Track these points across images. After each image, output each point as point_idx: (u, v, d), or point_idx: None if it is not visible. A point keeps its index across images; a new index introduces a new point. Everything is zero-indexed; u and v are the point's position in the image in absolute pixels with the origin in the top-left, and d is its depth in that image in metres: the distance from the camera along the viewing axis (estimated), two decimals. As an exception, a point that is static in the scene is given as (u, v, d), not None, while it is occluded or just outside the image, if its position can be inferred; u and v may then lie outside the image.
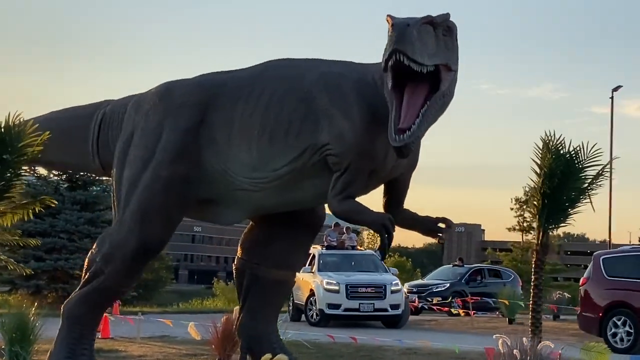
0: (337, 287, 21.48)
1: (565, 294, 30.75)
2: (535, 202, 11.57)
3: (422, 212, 8.96)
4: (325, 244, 24.32)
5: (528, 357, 8.52)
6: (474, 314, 26.00)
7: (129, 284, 9.62)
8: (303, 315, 22.53)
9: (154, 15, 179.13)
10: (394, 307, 21.71)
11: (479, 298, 26.89)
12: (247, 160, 8.72)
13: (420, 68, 7.55)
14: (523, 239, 59.27)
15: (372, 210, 8.48)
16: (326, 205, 9.53)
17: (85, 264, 9.43)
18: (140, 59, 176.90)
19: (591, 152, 11.43)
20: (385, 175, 8.62)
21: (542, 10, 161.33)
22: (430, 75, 7.70)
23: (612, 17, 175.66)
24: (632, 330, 17.11)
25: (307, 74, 8.68)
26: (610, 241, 43.85)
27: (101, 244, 9.28)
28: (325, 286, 21.54)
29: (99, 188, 31.65)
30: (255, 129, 8.64)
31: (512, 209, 58.34)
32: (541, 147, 11.47)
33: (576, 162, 11.31)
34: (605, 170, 11.43)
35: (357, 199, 8.44)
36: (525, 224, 58.49)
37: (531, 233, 57.99)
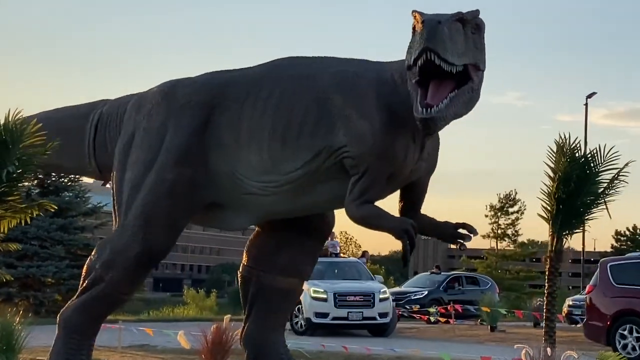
0: (324, 296, 21.06)
1: (545, 301, 30.62)
2: (548, 208, 11.22)
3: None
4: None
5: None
6: (453, 321, 25.84)
7: (131, 292, 9.18)
8: (287, 324, 22.11)
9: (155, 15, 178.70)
10: (383, 315, 21.37)
11: (462, 306, 26.71)
12: (257, 162, 8.33)
13: (450, 68, 7.24)
14: (497, 246, 59.45)
15: (392, 215, 8.14)
16: (334, 211, 9.32)
17: (84, 270, 8.99)
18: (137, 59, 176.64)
19: (607, 155, 11.12)
20: (403, 179, 8.25)
21: (507, 19, 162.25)
22: (457, 74, 7.38)
23: (577, 27, 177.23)
24: (642, 339, 16.76)
25: (320, 73, 8.30)
26: (583, 248, 43.95)
27: (101, 250, 8.84)
28: (313, 294, 21.10)
29: (71, 194, 31.04)
30: (266, 130, 8.25)
31: (486, 215, 58.42)
32: (555, 150, 11.16)
33: (592, 165, 11.00)
34: (621, 174, 11.09)
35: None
36: (499, 231, 58.51)
37: (505, 240, 58.26)
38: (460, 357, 13.86)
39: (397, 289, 34.01)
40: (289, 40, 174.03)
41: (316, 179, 8.21)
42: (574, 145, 11.11)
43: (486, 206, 58.93)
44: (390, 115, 7.91)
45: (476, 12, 7.52)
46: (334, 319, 21.09)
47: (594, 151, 11.04)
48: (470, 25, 7.43)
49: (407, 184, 8.42)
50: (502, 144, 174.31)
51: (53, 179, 30.34)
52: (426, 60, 7.16)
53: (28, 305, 27.85)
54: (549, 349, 8.09)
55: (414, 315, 28.22)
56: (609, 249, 62.16)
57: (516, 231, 60.05)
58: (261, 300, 9.28)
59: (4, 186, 8.40)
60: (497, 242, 58.75)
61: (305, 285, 21.53)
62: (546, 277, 11.85)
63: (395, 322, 22.53)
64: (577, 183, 10.94)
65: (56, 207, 10.42)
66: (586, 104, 44.68)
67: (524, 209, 57.58)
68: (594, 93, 44.92)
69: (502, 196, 58.55)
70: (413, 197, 8.59)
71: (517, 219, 56.94)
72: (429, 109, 7.31)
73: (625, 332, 17.07)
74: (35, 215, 9.41)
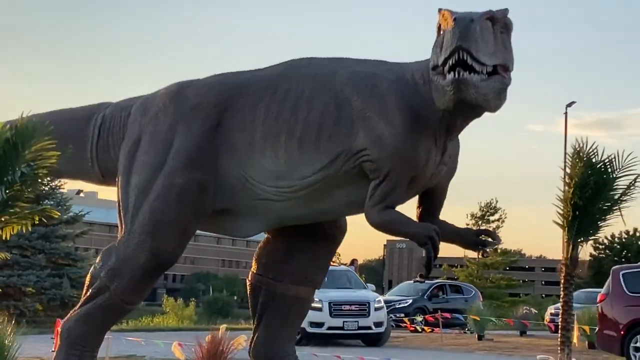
0: (319, 305, 20.66)
1: (532, 309, 30.72)
2: (563, 214, 10.97)
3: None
4: None
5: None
6: (439, 330, 25.72)
7: (137, 301, 8.83)
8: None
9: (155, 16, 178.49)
10: (378, 324, 21.09)
11: (450, 315, 26.55)
12: (272, 167, 8.02)
13: (482, 68, 6.98)
14: (478, 254, 58.97)
15: (415, 221, 7.88)
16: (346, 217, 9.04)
17: (87, 279, 8.65)
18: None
19: (626, 161, 10.88)
20: (424, 183, 7.97)
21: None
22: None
23: (547, 39, 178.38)
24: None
25: (337, 73, 8.01)
26: (564, 257, 43.83)
27: (106, 258, 8.51)
28: None
29: (52, 202, 30.60)
30: (282, 134, 7.94)
31: (467, 224, 58.21)
32: (572, 155, 10.91)
33: (610, 171, 10.76)
34: (638, 180, 10.85)
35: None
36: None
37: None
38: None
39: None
40: (288, 42, 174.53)
41: (333, 184, 7.92)
42: (590, 150, 10.88)
43: (467, 215, 58.88)
44: (411, 117, 7.64)
45: (505, 11, 7.29)
46: (329, 328, 20.78)
47: (612, 157, 10.80)
48: (499, 24, 7.19)
49: (427, 189, 8.14)
50: (480, 153, 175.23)
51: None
52: (458, 60, 6.92)
53: (8, 316, 27.39)
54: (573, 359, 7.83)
55: (400, 324, 28.07)
56: (587, 258, 62.24)
57: (497, 239, 59.54)
58: (271, 309, 8.96)
59: (15, 189, 8.11)
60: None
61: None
62: (561, 286, 11.60)
63: (389, 332, 22.28)
64: (594, 189, 10.71)
65: (59, 214, 10.08)
66: (566, 113, 44.86)
67: (505, 218, 57.64)
68: (573, 102, 45.14)
69: (482, 204, 58.56)
70: (433, 202, 8.31)
71: (497, 227, 56.83)
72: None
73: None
74: (36, 221, 9.11)
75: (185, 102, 8.43)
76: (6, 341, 10.90)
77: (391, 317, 29.04)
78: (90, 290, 8.47)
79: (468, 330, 27.89)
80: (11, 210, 8.29)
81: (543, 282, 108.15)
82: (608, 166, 10.78)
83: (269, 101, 8.11)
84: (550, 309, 32.93)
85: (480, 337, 24.69)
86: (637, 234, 72.75)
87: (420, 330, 27.58)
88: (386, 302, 31.24)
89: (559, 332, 12.21)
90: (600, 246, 71.53)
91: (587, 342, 21.84)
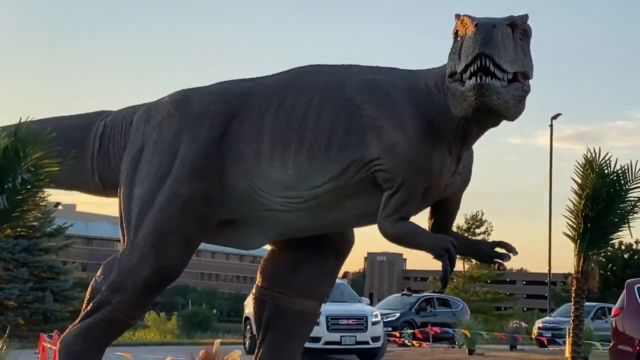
0: None
1: (522, 323, 30.56)
2: (574, 226, 10.77)
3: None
4: None
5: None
6: (427, 345, 25.54)
7: (139, 316, 8.57)
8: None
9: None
10: (375, 339, 20.73)
11: (439, 329, 26.31)
12: (280, 177, 7.78)
13: (503, 75, 6.77)
14: (464, 267, 59.08)
15: (431, 233, 7.65)
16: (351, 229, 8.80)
17: (88, 293, 8.35)
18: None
19: (639, 172, 10.66)
20: (438, 194, 7.74)
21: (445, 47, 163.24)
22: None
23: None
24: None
25: (347, 81, 7.78)
26: (550, 270, 43.93)
27: (108, 271, 8.23)
28: None
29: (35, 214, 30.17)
30: (291, 143, 7.70)
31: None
32: (582, 165, 10.71)
33: (623, 182, 10.55)
34: None
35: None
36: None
37: (471, 261, 57.83)
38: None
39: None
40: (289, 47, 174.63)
41: (344, 194, 7.69)
42: (603, 161, 10.68)
43: (453, 227, 58.73)
44: (426, 125, 7.43)
45: (525, 17, 7.10)
46: (327, 343, 20.26)
47: (625, 168, 10.60)
48: (519, 30, 7.00)
49: (440, 200, 7.93)
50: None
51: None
52: (480, 66, 6.71)
53: (-10, 330, 27.08)
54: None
55: (388, 338, 27.81)
56: (572, 271, 61.98)
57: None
58: (277, 324, 8.69)
59: (16, 198, 7.88)
60: (464, 263, 58.78)
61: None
62: (572, 299, 11.36)
63: (385, 347, 21.98)
64: (607, 201, 10.52)
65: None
66: (551, 125, 44.86)
67: (491, 230, 57.64)
68: (559, 114, 45.09)
69: (469, 217, 58.57)
70: (446, 213, 8.09)
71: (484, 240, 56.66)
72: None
73: None
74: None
75: (190, 110, 8.19)
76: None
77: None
78: (90, 304, 8.19)
79: (457, 344, 27.72)
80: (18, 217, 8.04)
81: (525, 296, 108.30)
82: (621, 177, 10.59)
83: (277, 110, 7.89)
84: (538, 323, 32.87)
85: (470, 352, 24.49)
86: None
87: (409, 344, 27.36)
88: (373, 315, 31.22)
89: (569, 347, 11.97)
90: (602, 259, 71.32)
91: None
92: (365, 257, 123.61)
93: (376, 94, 7.61)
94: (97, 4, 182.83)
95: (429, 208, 8.07)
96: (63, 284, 29.50)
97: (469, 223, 57.92)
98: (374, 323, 20.85)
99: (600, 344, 21.79)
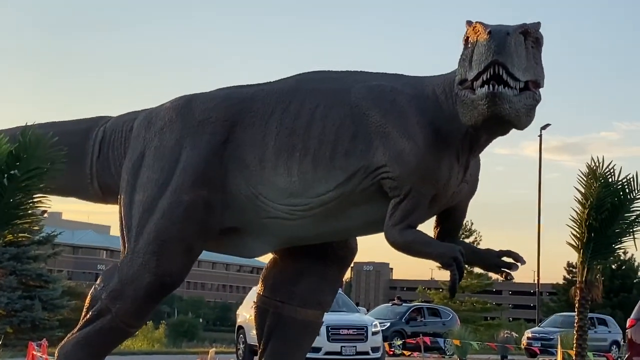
0: None
1: (513, 333, 30.56)
2: (577, 235, 10.69)
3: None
4: None
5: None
6: (417, 354, 25.48)
7: (139, 325, 8.45)
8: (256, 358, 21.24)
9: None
10: (375, 349, 20.57)
11: (429, 338, 26.24)
12: (285, 184, 7.66)
13: (515, 84, 6.69)
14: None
15: (439, 242, 7.55)
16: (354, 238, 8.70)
17: (87, 301, 8.18)
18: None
19: None
20: (445, 202, 7.64)
21: (445, 52, 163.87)
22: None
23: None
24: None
25: (353, 88, 7.68)
26: (538, 280, 43.97)
27: (108, 278, 8.08)
28: None
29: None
30: (296, 150, 7.59)
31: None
32: (586, 174, 10.64)
33: (627, 192, 10.48)
34: None
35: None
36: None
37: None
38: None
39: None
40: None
41: (349, 202, 7.58)
42: (607, 170, 10.62)
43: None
44: (433, 132, 7.33)
45: (538, 25, 7.01)
46: (327, 353, 20.02)
47: (629, 177, 10.52)
48: (531, 38, 6.92)
49: (446, 208, 7.84)
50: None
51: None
52: (493, 74, 6.62)
53: (-23, 339, 26.84)
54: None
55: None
56: (560, 281, 62.26)
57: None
58: (279, 333, 8.58)
59: (15, 202, 7.77)
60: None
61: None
62: (576, 310, 11.27)
63: (384, 357, 21.82)
64: (611, 210, 10.45)
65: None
66: (540, 135, 44.92)
67: (480, 240, 57.53)
68: (547, 124, 45.17)
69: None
70: (452, 222, 7.98)
71: (472, 250, 56.57)
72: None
73: None
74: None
75: (192, 116, 8.07)
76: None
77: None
78: (90, 313, 8.03)
79: (447, 354, 27.64)
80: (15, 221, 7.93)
81: (511, 306, 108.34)
82: (626, 186, 10.52)
83: (281, 116, 7.78)
84: (527, 333, 32.84)
85: (461, 362, 24.46)
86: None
87: (399, 353, 27.26)
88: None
89: (560, 357, 11.90)
90: (574, 269, 71.23)
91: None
92: (351, 267, 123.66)
93: (382, 100, 7.52)
94: (97, 4, 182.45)
95: (434, 218, 7.98)
96: (52, 293, 29.28)
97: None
98: (374, 333, 20.70)
99: (593, 354, 21.73)
